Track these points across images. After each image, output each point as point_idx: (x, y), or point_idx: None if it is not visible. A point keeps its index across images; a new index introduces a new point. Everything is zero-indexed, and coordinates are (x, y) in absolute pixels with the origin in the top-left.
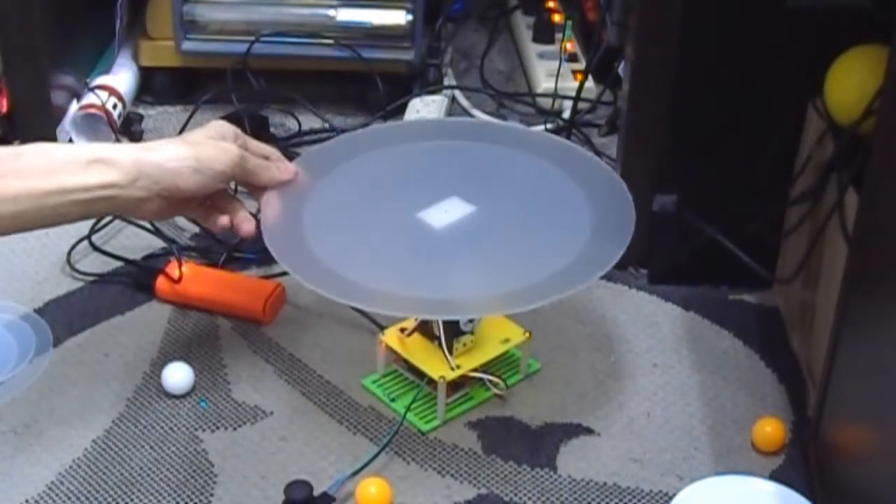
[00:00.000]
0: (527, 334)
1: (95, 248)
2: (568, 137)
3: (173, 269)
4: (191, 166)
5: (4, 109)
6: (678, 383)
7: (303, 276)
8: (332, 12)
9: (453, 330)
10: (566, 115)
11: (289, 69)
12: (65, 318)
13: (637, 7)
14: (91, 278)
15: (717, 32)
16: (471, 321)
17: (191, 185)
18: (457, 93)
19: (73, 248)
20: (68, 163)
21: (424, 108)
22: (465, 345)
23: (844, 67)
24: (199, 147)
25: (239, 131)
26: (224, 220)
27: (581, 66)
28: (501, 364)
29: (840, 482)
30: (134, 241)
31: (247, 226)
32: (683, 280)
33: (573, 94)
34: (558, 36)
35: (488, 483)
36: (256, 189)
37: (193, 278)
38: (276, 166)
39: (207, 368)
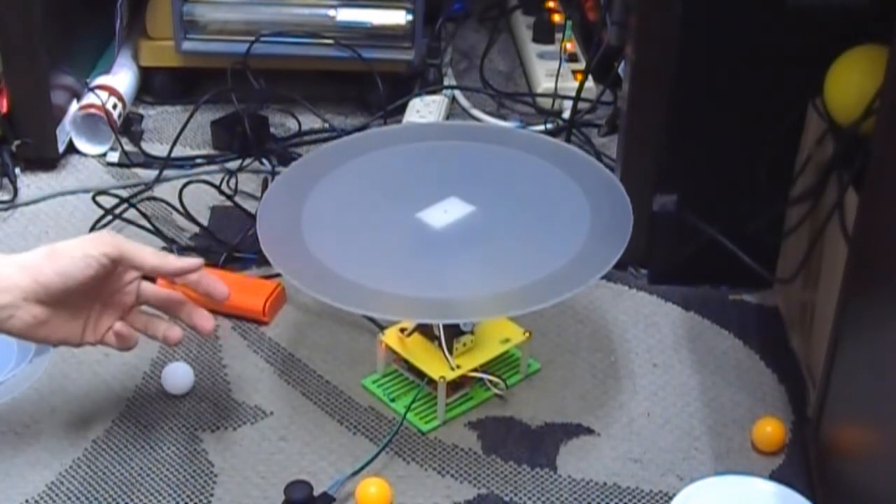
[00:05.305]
0: (527, 334)
1: None
2: (568, 138)
3: None
4: (46, 255)
5: (4, 109)
6: (678, 383)
7: (301, 280)
8: (332, 12)
9: (453, 330)
10: (566, 115)
11: (289, 69)
12: None
13: (637, 7)
14: None
15: (716, 32)
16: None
17: (50, 275)
18: (457, 93)
19: None
20: None
21: (424, 108)
22: (465, 345)
23: (844, 67)
24: (59, 242)
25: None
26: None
27: (581, 66)
28: (501, 364)
29: (840, 482)
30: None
31: (173, 333)
32: (683, 280)
33: (573, 94)
34: (558, 36)
35: (488, 483)
36: (160, 274)
37: None
38: (169, 255)
39: (207, 368)
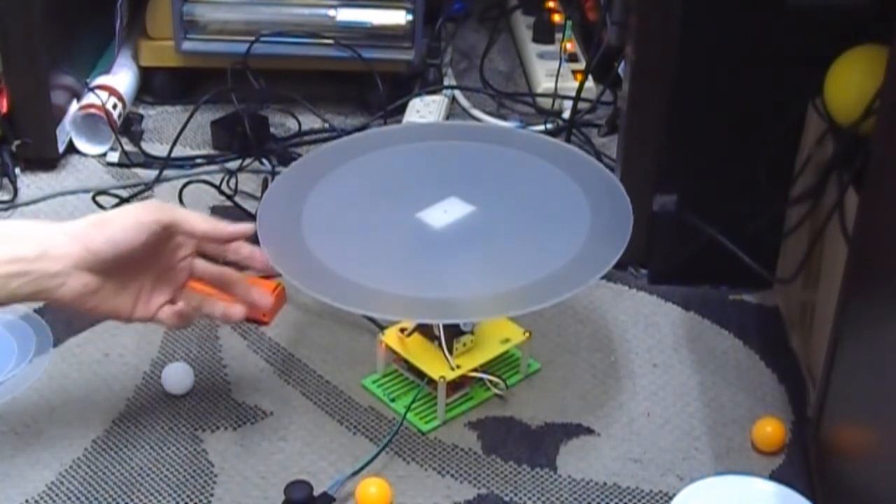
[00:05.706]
0: (527, 334)
1: None
2: (568, 138)
3: None
4: (95, 223)
5: (4, 109)
6: (678, 383)
7: (301, 280)
8: (332, 12)
9: (453, 330)
10: (566, 115)
11: (289, 69)
12: (65, 317)
13: (637, 7)
14: None
15: (716, 32)
16: None
17: (100, 243)
18: (457, 93)
19: None
20: None
21: (424, 108)
22: (465, 345)
23: (844, 67)
24: (109, 210)
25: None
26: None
27: (581, 66)
28: (501, 364)
29: (840, 482)
30: None
31: (235, 311)
32: (683, 280)
33: (573, 94)
34: (558, 36)
35: (488, 483)
36: (213, 238)
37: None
38: (220, 221)
39: (207, 368)
